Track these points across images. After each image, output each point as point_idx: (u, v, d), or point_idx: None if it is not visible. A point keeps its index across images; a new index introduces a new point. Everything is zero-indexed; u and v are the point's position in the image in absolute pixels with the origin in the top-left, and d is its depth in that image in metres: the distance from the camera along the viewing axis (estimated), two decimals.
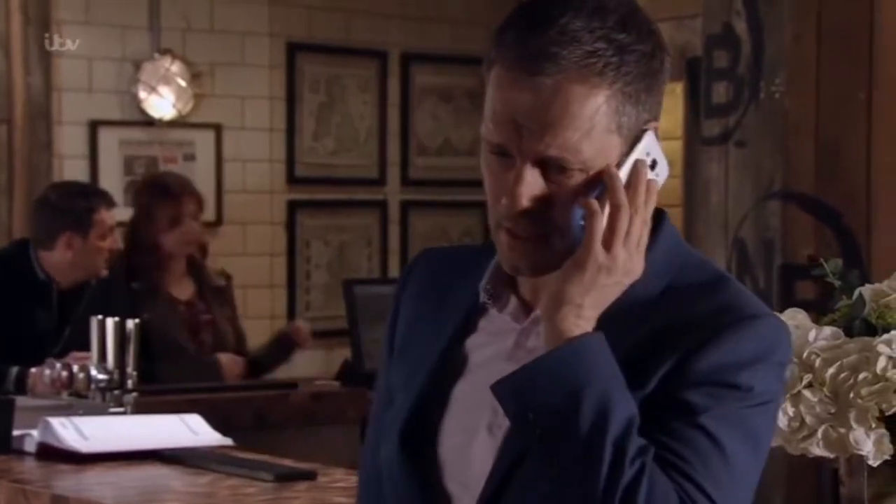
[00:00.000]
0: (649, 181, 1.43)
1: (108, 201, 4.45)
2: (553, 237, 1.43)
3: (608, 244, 1.40)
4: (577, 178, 1.42)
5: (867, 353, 1.74)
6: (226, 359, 4.47)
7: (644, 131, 1.44)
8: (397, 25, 6.77)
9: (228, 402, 4.12)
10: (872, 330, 1.79)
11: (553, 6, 1.42)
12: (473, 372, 1.51)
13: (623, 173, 1.42)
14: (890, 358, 1.72)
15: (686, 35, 5.20)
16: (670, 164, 1.48)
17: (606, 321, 1.41)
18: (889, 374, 1.71)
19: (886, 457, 1.73)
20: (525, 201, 1.42)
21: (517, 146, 1.42)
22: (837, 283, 1.85)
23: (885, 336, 1.74)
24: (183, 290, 4.57)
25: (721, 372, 1.38)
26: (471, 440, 1.48)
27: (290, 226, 6.50)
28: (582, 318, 1.39)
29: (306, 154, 6.56)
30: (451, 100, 6.99)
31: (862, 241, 3.59)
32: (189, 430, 3.08)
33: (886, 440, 1.72)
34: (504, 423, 1.45)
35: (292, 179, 6.52)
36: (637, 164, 1.43)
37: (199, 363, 4.44)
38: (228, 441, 3.06)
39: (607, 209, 1.41)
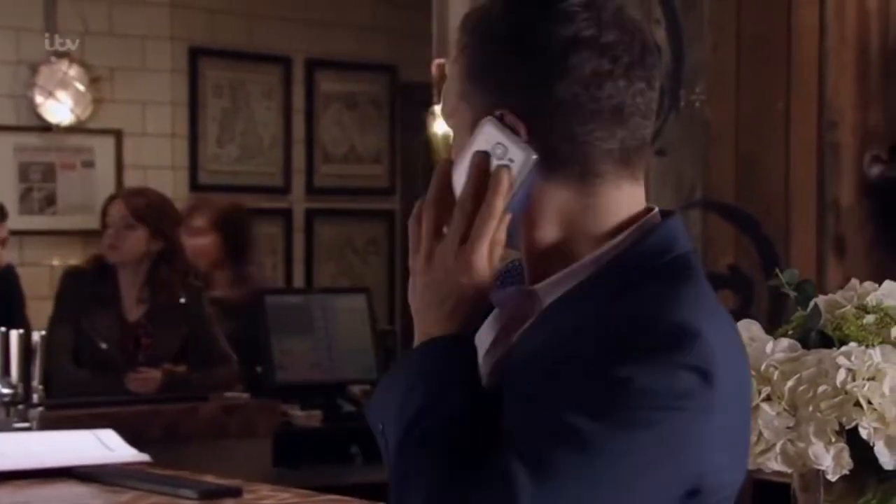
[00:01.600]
0: (499, 168, 1.35)
1: None
2: None
3: (416, 245, 1.38)
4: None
5: (826, 366, 1.71)
6: (137, 376, 4.39)
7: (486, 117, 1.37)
8: (301, 31, 6.69)
9: (137, 416, 4.02)
10: (828, 342, 1.76)
11: None
12: None
13: (462, 167, 1.37)
14: (849, 370, 1.69)
15: None
16: None
17: (555, 310, 1.35)
18: (849, 387, 1.69)
19: (845, 471, 1.70)
20: None
21: None
22: (793, 293, 1.82)
23: (844, 348, 1.71)
24: (135, 310, 4.48)
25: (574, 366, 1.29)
26: None
27: None
28: (426, 324, 1.36)
29: (209, 161, 6.46)
30: (355, 107, 6.92)
31: (780, 250, 3.60)
32: (103, 445, 2.97)
33: (846, 454, 1.69)
34: None
35: (195, 187, 6.41)
36: (474, 157, 1.36)
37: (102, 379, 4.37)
38: (145, 457, 2.96)
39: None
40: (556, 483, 1.24)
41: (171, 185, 6.31)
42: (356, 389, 4.85)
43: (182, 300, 4.50)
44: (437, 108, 4.64)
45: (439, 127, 4.65)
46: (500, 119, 1.35)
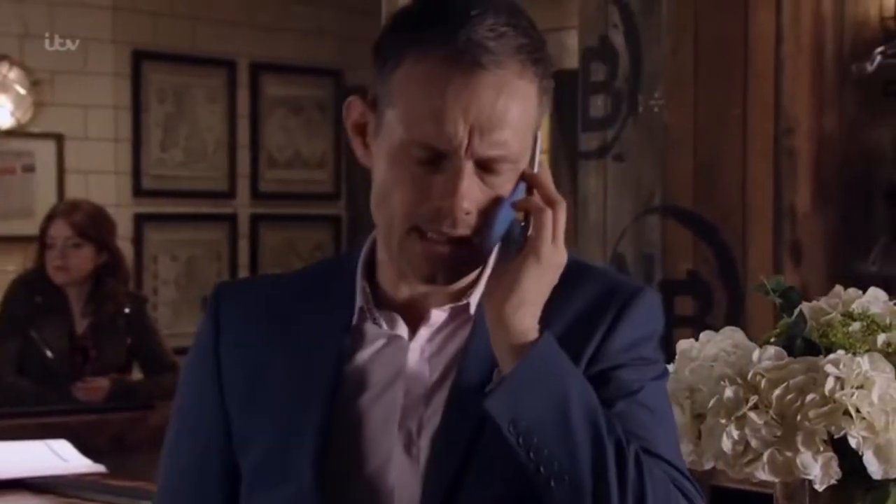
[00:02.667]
0: None
1: None
2: (472, 241, 1.39)
3: (556, 240, 1.37)
4: (506, 178, 1.39)
5: (814, 374, 1.68)
6: (83, 384, 4.33)
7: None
8: (246, 34, 6.62)
9: (84, 425, 3.95)
10: (814, 349, 1.74)
11: (468, 2, 1.39)
12: (370, 393, 1.44)
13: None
14: (838, 379, 1.67)
15: (553, 48, 5.17)
16: None
17: None
18: (837, 395, 1.66)
19: (833, 481, 1.68)
20: (467, 203, 1.37)
21: (461, 145, 1.37)
22: (778, 300, 1.80)
23: (832, 356, 1.69)
24: (82, 323, 4.43)
25: (636, 347, 1.43)
26: (386, 464, 1.42)
27: (137, 240, 6.29)
28: (535, 317, 1.37)
29: (153, 166, 6.37)
30: (300, 111, 6.86)
31: (738, 256, 3.59)
32: (57, 456, 2.91)
33: (835, 464, 1.67)
34: (423, 443, 1.40)
35: (139, 192, 6.33)
36: (542, 162, 1.43)
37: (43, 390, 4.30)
38: (100, 468, 2.90)
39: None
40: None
41: (115, 190, 6.22)
42: None
43: (126, 310, 4.47)
44: None
45: None
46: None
